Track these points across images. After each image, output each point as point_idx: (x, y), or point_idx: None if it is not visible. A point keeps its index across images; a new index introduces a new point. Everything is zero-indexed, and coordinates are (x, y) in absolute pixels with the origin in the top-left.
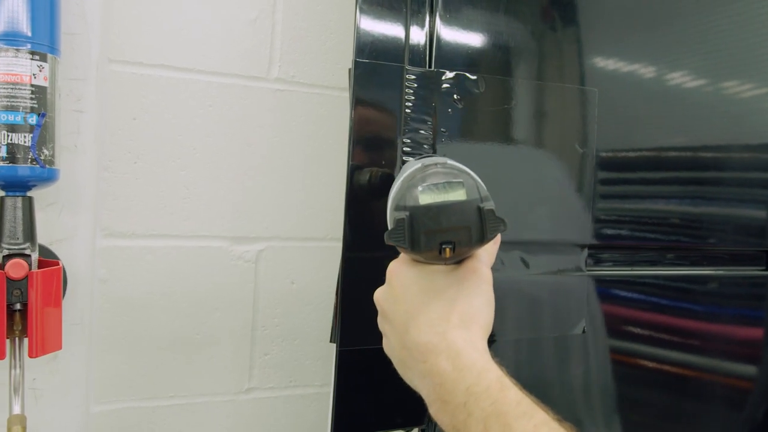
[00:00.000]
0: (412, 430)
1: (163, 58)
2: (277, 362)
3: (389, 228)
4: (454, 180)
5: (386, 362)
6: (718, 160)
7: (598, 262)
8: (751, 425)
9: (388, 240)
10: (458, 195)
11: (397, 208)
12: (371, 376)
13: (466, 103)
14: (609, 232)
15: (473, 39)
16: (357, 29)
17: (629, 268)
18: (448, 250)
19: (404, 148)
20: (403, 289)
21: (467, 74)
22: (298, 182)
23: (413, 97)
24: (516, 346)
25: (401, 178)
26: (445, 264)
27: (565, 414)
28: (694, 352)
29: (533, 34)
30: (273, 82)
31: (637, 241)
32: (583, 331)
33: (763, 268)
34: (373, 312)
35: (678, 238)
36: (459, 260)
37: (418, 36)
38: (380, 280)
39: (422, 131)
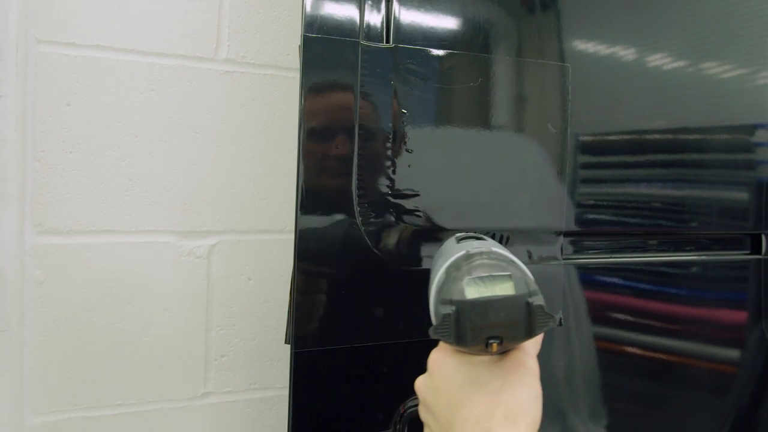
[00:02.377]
0: None
1: (98, 38)
2: (234, 364)
3: (433, 319)
4: (501, 273)
5: (347, 363)
6: (699, 142)
7: (579, 249)
8: (736, 409)
9: (433, 335)
10: (506, 289)
11: (443, 301)
12: (330, 379)
13: (428, 82)
14: (589, 217)
15: (435, 12)
16: (305, 1)
17: (610, 255)
18: (495, 344)
19: (361, 131)
20: (446, 381)
21: (429, 50)
22: (251, 171)
23: (370, 76)
24: None
25: (445, 266)
26: (489, 355)
27: (549, 405)
28: (678, 337)
29: (503, 8)
30: (221, 63)
31: (618, 226)
32: (560, 324)
33: (747, 251)
34: (328, 311)
35: (660, 223)
36: (504, 351)
37: (374, 9)
38: (337, 279)
39: (381, 112)
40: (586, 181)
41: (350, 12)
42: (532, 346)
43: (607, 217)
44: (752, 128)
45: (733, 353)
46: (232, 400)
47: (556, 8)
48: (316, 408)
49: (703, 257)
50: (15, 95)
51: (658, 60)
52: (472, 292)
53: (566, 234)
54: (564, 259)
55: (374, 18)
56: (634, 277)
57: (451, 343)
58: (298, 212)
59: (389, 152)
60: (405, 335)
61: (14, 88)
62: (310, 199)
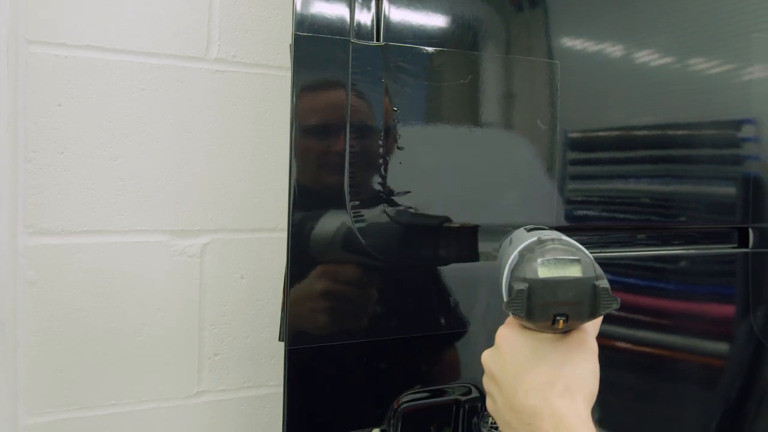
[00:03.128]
0: (372, 430)
1: (89, 38)
2: (228, 362)
3: (505, 296)
4: (571, 257)
5: (341, 360)
6: (686, 137)
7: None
8: (725, 402)
9: (506, 309)
10: (575, 271)
11: (516, 279)
12: (324, 376)
13: (418, 79)
14: (578, 213)
15: (425, 10)
16: (296, 0)
17: (599, 250)
18: (561, 321)
19: (353, 129)
20: (512, 354)
21: (419, 47)
22: (243, 169)
23: (361, 74)
24: (489, 335)
25: (518, 248)
26: (554, 333)
27: None
28: (666, 331)
29: (492, 6)
30: (212, 63)
31: (607, 221)
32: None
33: (735, 245)
34: (322, 309)
35: (648, 218)
36: (568, 330)
37: (364, 8)
38: (330, 276)
39: (372, 110)
40: (575, 177)
41: (340, 10)
42: (593, 327)
43: (596, 213)
44: (738, 123)
45: (722, 346)
46: (227, 399)
47: (544, 6)
48: (310, 404)
49: (691, 251)
50: (6, 96)
51: (645, 57)
52: (545, 272)
53: (556, 229)
54: None
55: (364, 16)
56: (622, 272)
57: (521, 317)
58: (291, 210)
59: (381, 150)
60: (398, 331)
61: (5, 88)
62: (302, 197)
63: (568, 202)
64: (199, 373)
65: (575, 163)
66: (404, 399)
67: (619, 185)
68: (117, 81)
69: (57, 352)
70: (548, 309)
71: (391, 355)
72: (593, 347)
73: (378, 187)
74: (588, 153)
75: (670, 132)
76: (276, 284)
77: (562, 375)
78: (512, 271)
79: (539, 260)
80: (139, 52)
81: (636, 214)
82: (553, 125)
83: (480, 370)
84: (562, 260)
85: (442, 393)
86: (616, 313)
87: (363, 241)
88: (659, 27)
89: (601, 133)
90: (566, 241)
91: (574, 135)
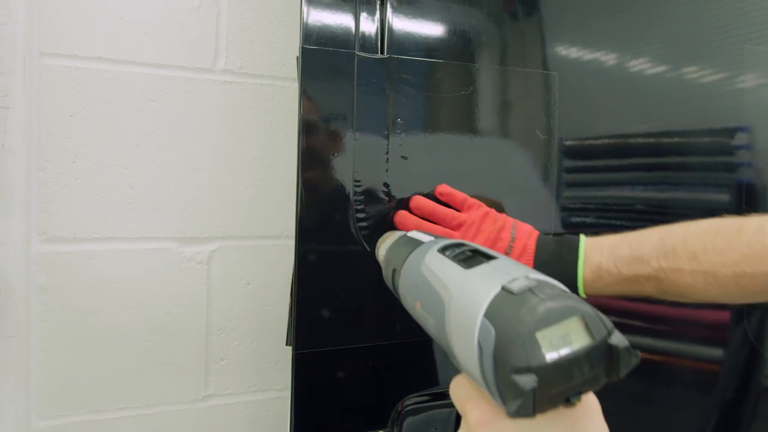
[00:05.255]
0: None
1: (100, 50)
2: (234, 367)
3: (499, 395)
4: (570, 313)
5: (347, 363)
6: (680, 145)
7: None
8: (721, 407)
9: (515, 416)
10: (583, 335)
11: (518, 371)
12: (331, 380)
13: (421, 91)
14: (575, 220)
15: (427, 23)
16: (303, 14)
17: None
18: (578, 401)
19: (358, 139)
20: None
21: (422, 60)
22: (249, 178)
23: (366, 85)
24: None
25: (480, 310)
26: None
27: None
28: (662, 337)
29: (491, 19)
30: (220, 74)
31: (603, 228)
32: None
33: None
34: (328, 313)
35: (644, 225)
36: None
37: (369, 21)
38: (336, 280)
39: (377, 121)
40: (573, 184)
41: (346, 24)
42: None
43: (593, 220)
44: (731, 131)
45: (716, 352)
46: (232, 402)
47: (542, 19)
48: (317, 407)
49: None
50: (22, 107)
51: (640, 66)
52: (550, 350)
53: (555, 235)
54: None
55: (369, 30)
56: None
57: (530, 415)
58: (299, 217)
59: (385, 158)
60: (403, 336)
61: (21, 100)
62: (309, 205)
63: (566, 209)
64: (206, 377)
65: (573, 171)
66: (408, 401)
67: (615, 192)
68: (127, 92)
69: (68, 356)
70: (561, 394)
71: (396, 358)
72: (597, 407)
73: (383, 196)
74: (585, 161)
75: (665, 139)
76: (281, 290)
77: None
78: (497, 354)
79: (537, 335)
80: (148, 63)
81: (631, 221)
82: (552, 134)
83: None
84: (561, 323)
85: (445, 396)
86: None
87: (368, 248)
88: (653, 37)
89: (597, 142)
90: (544, 283)
91: (572, 143)
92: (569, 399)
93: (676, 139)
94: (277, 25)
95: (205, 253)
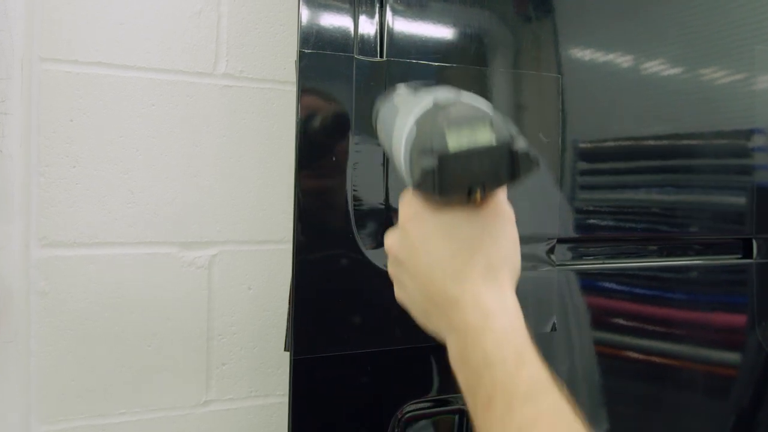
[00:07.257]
0: None
1: (100, 55)
2: (235, 372)
3: (408, 174)
4: (481, 121)
5: (345, 369)
6: (694, 147)
7: (577, 255)
8: (737, 412)
9: (416, 189)
10: (487, 137)
11: (421, 153)
12: (329, 386)
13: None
14: (586, 224)
15: (427, 26)
16: (301, 17)
17: (607, 261)
18: (478, 192)
19: (356, 143)
20: (423, 237)
21: (421, 63)
22: (250, 182)
23: (364, 89)
24: None
25: (413, 117)
26: (468, 206)
27: None
28: (674, 341)
29: (492, 22)
30: (220, 78)
31: (615, 232)
32: (553, 329)
33: (739, 256)
34: (327, 318)
35: (655, 228)
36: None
37: (367, 24)
38: (335, 285)
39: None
40: (584, 187)
41: (344, 28)
42: (503, 192)
43: (605, 223)
44: (742, 134)
45: (729, 357)
46: (234, 408)
47: (545, 21)
48: (315, 414)
49: (696, 262)
50: (20, 112)
51: (652, 68)
52: (454, 143)
53: (565, 240)
54: (563, 265)
55: (368, 33)
56: (630, 282)
57: (434, 196)
58: (297, 221)
59: (384, 163)
60: (401, 341)
61: (19, 105)
62: (307, 210)
63: (573, 213)
64: (207, 382)
65: (580, 174)
66: (408, 408)
67: (623, 195)
68: (127, 96)
69: (68, 361)
70: (462, 182)
71: (396, 364)
72: (510, 215)
73: (381, 200)
74: (592, 164)
75: (673, 143)
76: (283, 295)
77: (482, 252)
78: (413, 145)
79: (446, 129)
80: (148, 68)
81: (643, 224)
82: (557, 138)
83: None
84: (472, 126)
85: (445, 402)
86: (626, 323)
87: (366, 253)
88: (661, 39)
89: (604, 145)
90: (468, 101)
91: (579, 146)
92: (471, 190)
93: (684, 142)
94: (278, 29)
95: (206, 258)
